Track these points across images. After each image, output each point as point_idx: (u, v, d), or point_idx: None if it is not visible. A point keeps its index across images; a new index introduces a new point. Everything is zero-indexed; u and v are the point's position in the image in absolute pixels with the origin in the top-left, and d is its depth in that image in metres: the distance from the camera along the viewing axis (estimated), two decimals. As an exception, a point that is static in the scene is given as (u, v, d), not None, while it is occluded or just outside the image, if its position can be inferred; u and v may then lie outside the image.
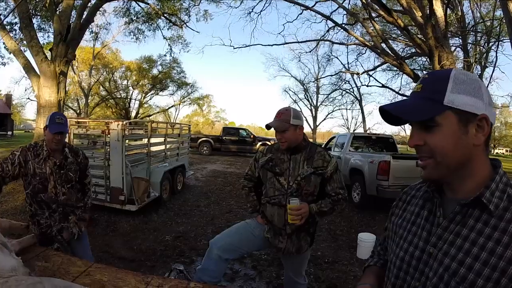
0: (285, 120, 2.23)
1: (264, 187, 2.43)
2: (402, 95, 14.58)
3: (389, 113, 0.92)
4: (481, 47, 16.92)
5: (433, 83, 0.87)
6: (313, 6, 10.31)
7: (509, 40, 8.10)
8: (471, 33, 15.85)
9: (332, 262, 4.29)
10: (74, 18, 10.75)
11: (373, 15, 8.90)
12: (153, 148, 6.64)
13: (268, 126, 2.29)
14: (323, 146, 10.20)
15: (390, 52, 8.92)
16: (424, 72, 15.85)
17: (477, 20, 17.50)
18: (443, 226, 0.89)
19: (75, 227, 2.60)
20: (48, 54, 10.49)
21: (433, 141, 0.85)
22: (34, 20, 13.21)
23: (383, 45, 9.23)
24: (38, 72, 10.10)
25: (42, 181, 2.43)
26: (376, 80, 26.20)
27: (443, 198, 0.94)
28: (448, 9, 7.99)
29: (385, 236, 1.20)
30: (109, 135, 5.28)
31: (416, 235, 0.96)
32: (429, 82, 0.88)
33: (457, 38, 14.31)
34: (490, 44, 15.30)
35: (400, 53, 9.87)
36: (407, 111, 0.87)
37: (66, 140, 2.78)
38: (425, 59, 18.65)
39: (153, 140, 6.55)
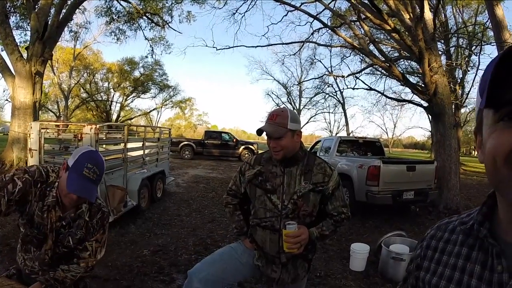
0: (281, 123, 1.82)
1: (253, 207, 2.00)
2: (388, 97, 14.52)
3: None
4: (464, 51, 17.15)
5: None
6: (300, 6, 10.05)
7: (494, 44, 8.09)
8: (455, 36, 16.02)
9: (324, 276, 4.00)
10: (52, 16, 10.31)
11: (361, 16, 8.71)
12: (130, 154, 6.24)
13: (260, 131, 1.86)
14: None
15: (378, 54, 8.74)
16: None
17: (459, 25, 17.79)
18: (511, 286, 0.57)
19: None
20: (24, 53, 10.04)
21: None
22: (12, 18, 12.78)
23: (371, 46, 9.07)
24: (13, 72, 9.65)
25: (38, 237, 1.72)
26: (363, 82, 26.44)
27: (504, 243, 0.62)
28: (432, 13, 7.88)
29: None
30: (81, 140, 4.88)
31: None
32: None
33: (439, 43, 14.38)
34: (473, 48, 15.47)
35: (387, 55, 9.72)
36: None
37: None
38: (407, 63, 18.89)
39: (130, 145, 6.16)
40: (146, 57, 30.74)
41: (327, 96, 35.59)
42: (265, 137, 1.89)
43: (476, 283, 0.63)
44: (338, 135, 31.30)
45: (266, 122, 1.88)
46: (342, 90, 32.77)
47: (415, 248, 0.85)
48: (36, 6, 10.33)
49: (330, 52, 24.25)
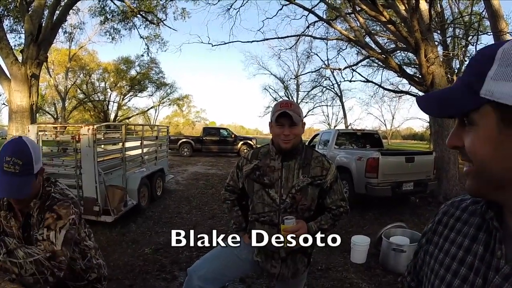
0: (297, 112, 1.82)
1: (251, 202, 1.99)
2: (385, 89, 14.50)
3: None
4: (461, 41, 17.11)
5: (476, 63, 0.59)
6: (295, 0, 10.00)
7: (491, 34, 8.08)
8: (451, 26, 15.98)
9: (325, 269, 4.02)
10: (46, 18, 10.25)
11: (356, 9, 8.68)
12: (129, 153, 6.24)
13: (284, 113, 1.78)
14: (306, 143, 9.97)
15: (374, 46, 8.73)
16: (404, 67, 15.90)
17: (455, 16, 17.74)
18: (503, 274, 0.58)
19: None
20: (19, 56, 9.99)
21: (467, 143, 0.60)
22: (6, 22, 12.69)
23: (367, 38, 9.05)
24: (9, 76, 9.60)
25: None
26: (360, 74, 26.41)
27: (508, 229, 0.62)
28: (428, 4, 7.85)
29: (415, 264, 0.87)
30: (79, 141, 4.88)
31: (467, 281, 0.64)
32: (473, 62, 0.61)
33: (436, 34, 14.34)
34: (469, 38, 15.44)
35: (384, 47, 9.71)
36: (435, 103, 0.64)
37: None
38: (404, 54, 18.84)
39: (128, 144, 6.17)
40: (142, 55, 30.51)
41: (324, 89, 35.63)
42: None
43: (478, 264, 0.63)
44: (336, 128, 31.34)
45: (282, 109, 1.81)
46: (339, 83, 32.80)
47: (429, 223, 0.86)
48: (30, 9, 10.26)
49: (327, 45, 24.18)
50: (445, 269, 0.69)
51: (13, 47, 10.34)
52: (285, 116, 1.80)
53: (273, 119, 1.85)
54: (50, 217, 1.46)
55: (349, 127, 30.32)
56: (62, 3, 11.03)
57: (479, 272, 0.62)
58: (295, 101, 37.05)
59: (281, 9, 12.40)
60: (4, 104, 32.66)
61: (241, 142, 19.68)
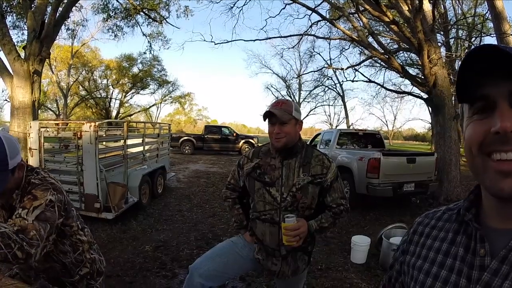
0: (287, 110, 1.83)
1: (252, 200, 2.00)
2: (387, 89, 14.46)
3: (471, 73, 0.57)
4: (464, 42, 17.09)
5: None
6: (297, -1, 9.99)
7: (494, 35, 8.07)
8: (454, 27, 15.96)
9: (325, 268, 4.01)
10: (49, 14, 10.26)
11: (360, 8, 8.67)
12: (130, 150, 6.25)
13: (268, 113, 1.83)
14: (308, 143, 9.96)
15: (377, 46, 8.71)
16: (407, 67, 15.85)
17: (459, 17, 17.72)
18: (492, 269, 0.57)
19: None
20: (22, 53, 10.01)
21: None
22: (9, 18, 12.71)
23: (370, 39, 9.04)
24: (11, 72, 9.62)
25: None
26: (362, 75, 26.27)
27: (488, 228, 0.63)
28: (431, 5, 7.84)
29: (390, 277, 0.86)
30: (81, 138, 4.89)
31: (449, 283, 0.64)
32: None
33: (439, 35, 14.34)
34: (472, 39, 15.42)
35: (387, 47, 9.69)
36: None
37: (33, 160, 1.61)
38: (407, 55, 18.83)
39: (129, 142, 6.17)
40: (145, 53, 30.73)
41: (326, 89, 35.59)
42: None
43: (459, 265, 0.64)
44: (338, 127, 31.31)
45: (272, 107, 1.87)
46: (341, 83, 32.77)
47: (403, 236, 0.86)
48: (33, 5, 10.27)
49: (329, 44, 24.25)
50: (424, 274, 0.70)
51: (15, 44, 10.35)
52: (272, 115, 1.83)
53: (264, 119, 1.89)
54: (27, 199, 1.47)
55: (351, 127, 30.29)
56: (65, 0, 11.05)
57: (461, 273, 0.63)
58: (297, 100, 37.16)
59: (284, 8, 12.35)
60: (6, 100, 32.71)
61: (243, 141, 19.69)
